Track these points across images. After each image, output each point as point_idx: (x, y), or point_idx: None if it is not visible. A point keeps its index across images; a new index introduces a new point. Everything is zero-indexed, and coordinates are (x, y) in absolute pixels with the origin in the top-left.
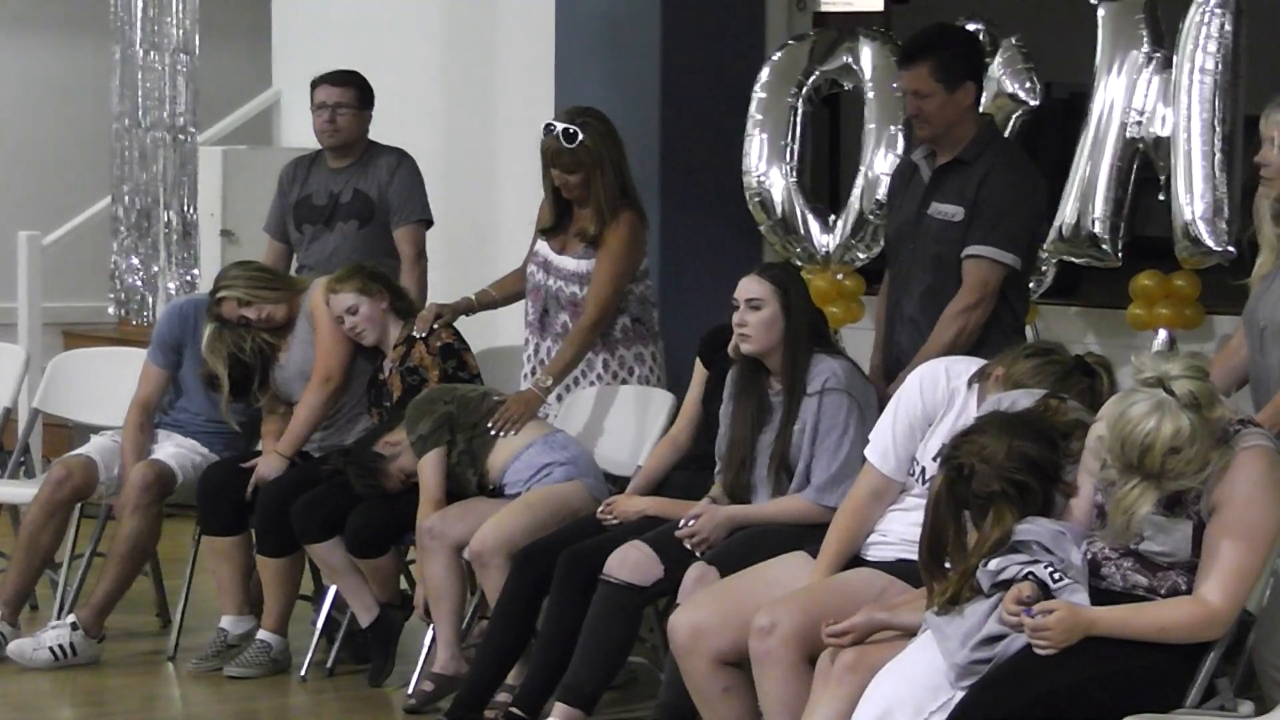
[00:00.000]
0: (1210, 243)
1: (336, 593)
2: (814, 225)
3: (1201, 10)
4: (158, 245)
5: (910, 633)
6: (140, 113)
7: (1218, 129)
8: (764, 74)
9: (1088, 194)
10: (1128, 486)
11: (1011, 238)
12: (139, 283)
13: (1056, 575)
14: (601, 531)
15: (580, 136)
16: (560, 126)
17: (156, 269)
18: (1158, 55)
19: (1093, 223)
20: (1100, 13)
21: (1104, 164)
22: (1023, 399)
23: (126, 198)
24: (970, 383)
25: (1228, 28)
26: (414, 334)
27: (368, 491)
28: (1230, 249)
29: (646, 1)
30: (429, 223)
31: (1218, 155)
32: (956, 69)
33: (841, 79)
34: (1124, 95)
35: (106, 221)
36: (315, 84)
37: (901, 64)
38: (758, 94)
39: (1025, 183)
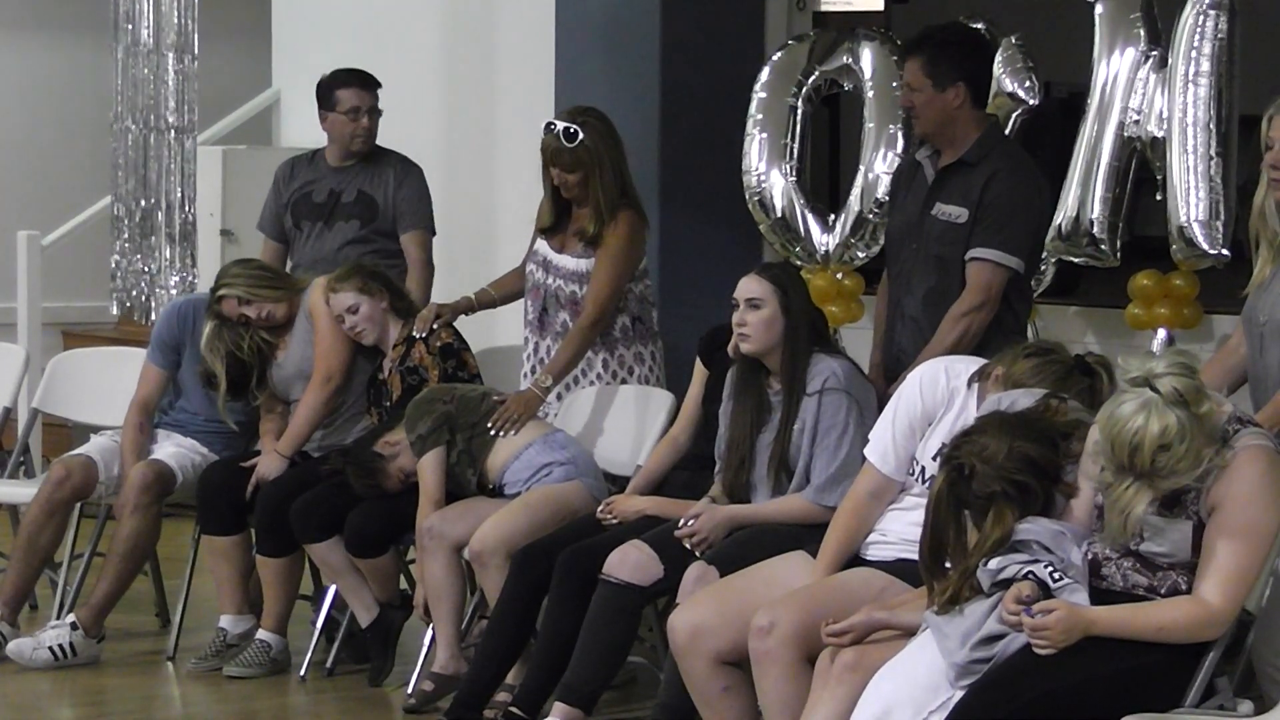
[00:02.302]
0: (1205, 245)
1: (336, 592)
2: (814, 225)
3: (1195, 10)
4: (158, 245)
5: (910, 632)
6: (140, 112)
7: (1212, 130)
8: (764, 74)
9: (1085, 193)
10: (1122, 487)
11: (1016, 241)
12: (140, 282)
13: (1056, 575)
14: (601, 531)
15: (580, 136)
16: (561, 125)
17: (157, 268)
18: (1154, 54)
19: (1091, 222)
20: (1097, 10)
21: (1101, 163)
22: (1023, 399)
23: (126, 198)
24: (970, 382)
25: (1222, 28)
26: (414, 334)
27: (367, 491)
28: (1224, 251)
29: (646, 1)
30: (433, 233)
31: (1213, 157)
32: (946, 69)
33: (841, 79)
34: (1121, 94)
35: (106, 221)
36: (338, 85)
37: (902, 56)
38: (758, 94)
39: (1030, 186)
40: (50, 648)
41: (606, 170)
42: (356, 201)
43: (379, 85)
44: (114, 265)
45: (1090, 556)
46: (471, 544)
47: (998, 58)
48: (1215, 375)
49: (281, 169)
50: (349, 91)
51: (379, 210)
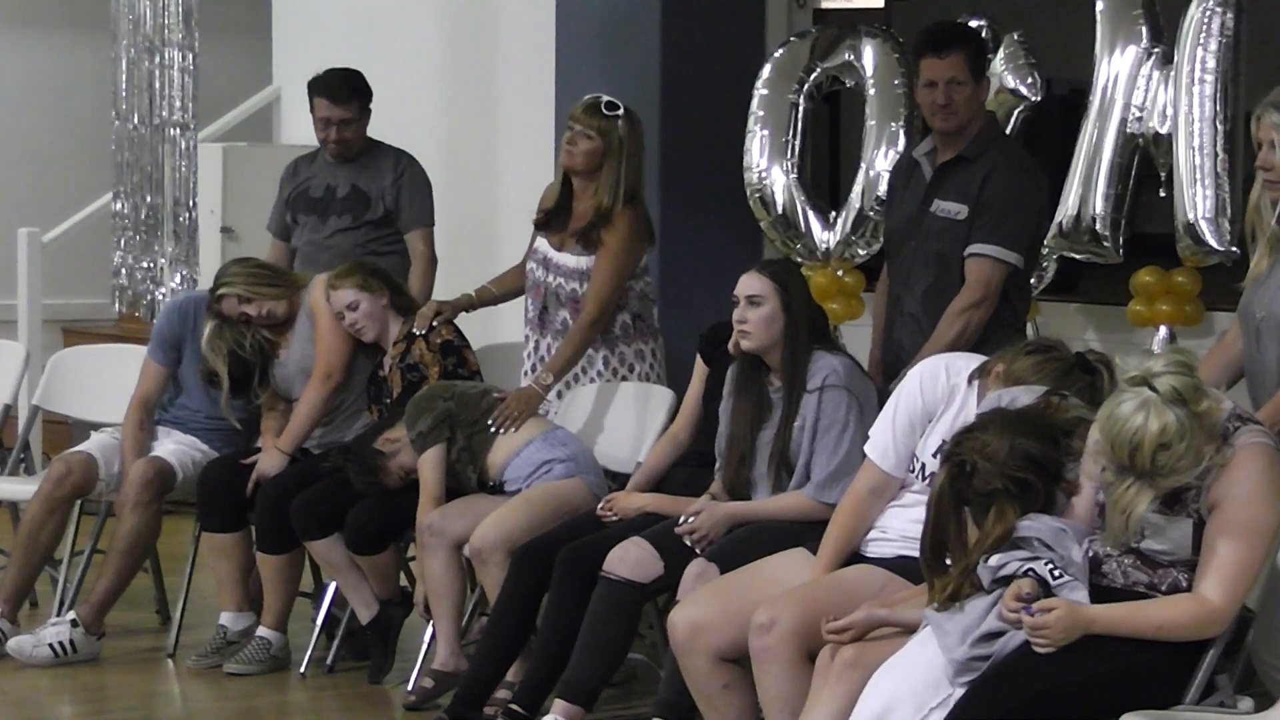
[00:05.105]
0: (1213, 242)
1: (336, 589)
2: (814, 222)
3: (1203, 8)
4: (159, 242)
5: (910, 629)
6: (141, 109)
7: (1219, 127)
8: (765, 71)
9: (1088, 189)
10: (1123, 486)
11: (1015, 236)
12: (141, 279)
13: (1056, 572)
14: (601, 528)
15: (619, 113)
16: (607, 97)
17: (160, 265)
18: (1157, 50)
19: (1093, 218)
20: (1099, 7)
21: (1104, 159)
22: (1023, 396)
23: (127, 195)
24: (970, 379)
25: (1229, 25)
26: (414, 330)
27: (367, 488)
28: (1234, 248)
29: (646, 1)
30: (433, 224)
31: (1220, 153)
32: (982, 63)
33: (842, 76)
34: (1123, 90)
35: (106, 218)
36: (312, 92)
37: (936, 52)
38: (759, 91)
39: (1028, 181)
40: (50, 645)
41: (625, 162)
42: (349, 196)
43: (361, 92)
44: (116, 262)
45: (1091, 554)
46: (472, 541)
47: (1000, 54)
48: (1213, 370)
49: (287, 169)
50: (319, 102)
51: (370, 204)
